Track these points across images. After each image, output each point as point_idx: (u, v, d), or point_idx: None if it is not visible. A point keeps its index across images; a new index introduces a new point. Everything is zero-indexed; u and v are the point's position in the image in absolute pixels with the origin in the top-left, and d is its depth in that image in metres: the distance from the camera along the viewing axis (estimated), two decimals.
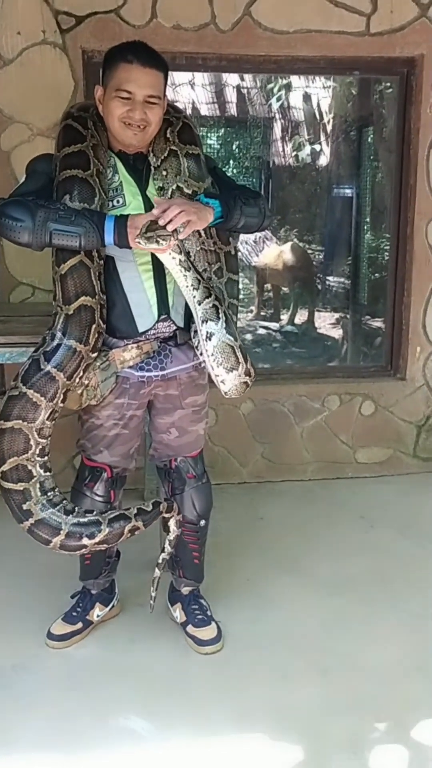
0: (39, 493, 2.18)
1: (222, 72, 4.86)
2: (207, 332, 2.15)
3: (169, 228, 1.99)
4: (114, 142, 2.15)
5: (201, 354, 2.24)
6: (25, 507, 2.16)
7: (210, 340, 2.15)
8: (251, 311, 6.61)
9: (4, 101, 3.21)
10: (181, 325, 2.25)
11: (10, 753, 2.02)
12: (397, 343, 3.85)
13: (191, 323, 2.27)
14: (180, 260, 2.08)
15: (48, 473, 2.20)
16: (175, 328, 2.24)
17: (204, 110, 6.16)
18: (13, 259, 3.32)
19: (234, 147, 6.68)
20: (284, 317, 6.49)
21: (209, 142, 6.45)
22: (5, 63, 3.19)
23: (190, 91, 6.04)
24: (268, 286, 6.69)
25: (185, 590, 2.54)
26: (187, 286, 2.12)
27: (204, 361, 2.23)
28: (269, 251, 6.73)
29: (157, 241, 1.96)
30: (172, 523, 2.32)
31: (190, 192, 2.17)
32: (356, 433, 3.82)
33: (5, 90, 3.20)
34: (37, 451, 2.16)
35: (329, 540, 3.20)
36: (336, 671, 2.37)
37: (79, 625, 2.49)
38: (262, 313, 6.60)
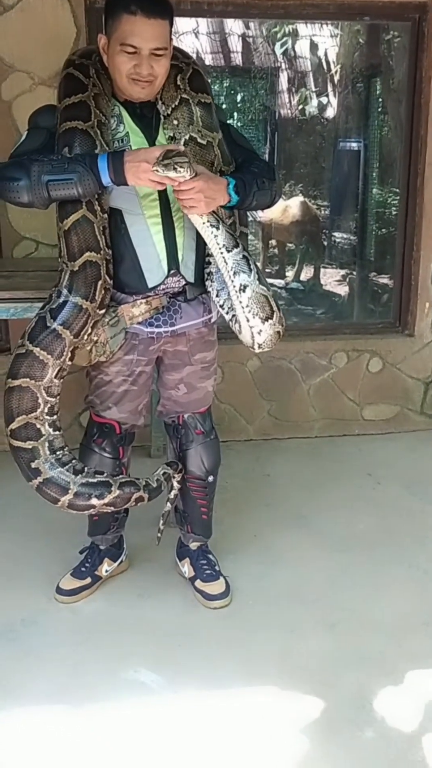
0: (48, 452, 2.17)
1: (228, 18, 4.72)
2: (240, 284, 2.12)
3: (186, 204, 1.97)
4: (119, 91, 2.08)
5: (227, 310, 2.21)
6: (33, 465, 2.15)
7: (244, 291, 2.12)
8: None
9: (4, 49, 3.12)
10: (191, 280, 2.21)
11: (20, 706, 2.05)
12: (405, 299, 3.81)
13: (204, 277, 2.25)
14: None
15: (57, 432, 2.19)
16: (184, 283, 2.20)
17: (208, 60, 6.00)
18: (16, 214, 3.26)
19: (239, 98, 6.53)
20: (290, 274, 6.42)
21: (213, 92, 6.32)
22: (5, 9, 3.08)
23: (194, 39, 5.88)
24: (273, 242, 6.60)
25: (194, 545, 2.55)
26: (209, 235, 2.07)
27: (233, 316, 2.20)
28: (275, 206, 6.62)
29: (175, 168, 1.89)
30: (174, 482, 2.35)
31: (204, 143, 2.12)
32: (363, 390, 3.80)
33: (5, 37, 3.10)
34: (46, 410, 2.14)
35: (335, 496, 3.20)
36: (343, 625, 2.39)
37: (88, 580, 2.50)
38: (267, 270, 6.53)
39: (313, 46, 6.11)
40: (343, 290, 5.92)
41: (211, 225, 2.06)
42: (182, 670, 2.18)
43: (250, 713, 2.04)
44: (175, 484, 2.37)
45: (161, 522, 2.42)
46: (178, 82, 2.12)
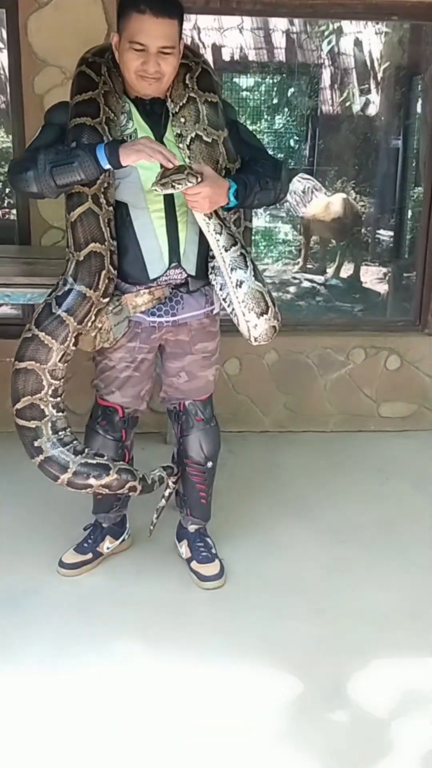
0: (50, 432, 2.29)
1: (256, 16, 4.77)
2: (237, 280, 2.22)
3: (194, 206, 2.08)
4: (129, 88, 2.18)
5: (229, 304, 2.30)
6: (36, 444, 2.28)
7: (240, 287, 2.22)
8: (297, 263, 6.57)
9: (38, 45, 3.25)
10: (193, 273, 2.29)
11: (14, 666, 2.18)
12: (426, 298, 3.83)
13: (208, 270, 2.33)
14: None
15: (60, 413, 2.31)
16: (186, 275, 2.29)
17: (252, 56, 6.06)
18: (45, 204, 3.38)
19: (282, 94, 6.57)
20: (330, 270, 6.45)
21: (259, 88, 6.37)
22: (40, 6, 3.21)
23: (238, 35, 5.94)
24: (315, 238, 6.63)
25: (192, 528, 2.65)
26: (210, 232, 2.17)
27: (233, 310, 2.29)
28: (317, 202, 6.65)
29: (173, 186, 2.01)
30: (170, 482, 2.53)
31: (209, 140, 2.20)
32: (380, 388, 3.84)
33: (39, 33, 3.23)
34: (50, 392, 2.26)
35: (343, 489, 3.26)
36: (331, 613, 2.45)
37: (90, 555, 2.62)
38: (309, 266, 6.57)
39: (357, 44, 6.12)
40: (382, 288, 5.93)
41: (215, 231, 2.17)
42: (170, 644, 2.28)
43: (230, 688, 2.12)
44: (171, 485, 2.54)
45: (155, 516, 2.56)
46: (187, 81, 2.20)
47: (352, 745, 1.94)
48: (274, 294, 5.26)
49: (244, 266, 2.20)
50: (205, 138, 2.20)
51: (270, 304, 2.25)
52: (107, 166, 2.04)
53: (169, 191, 2.04)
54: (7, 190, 5.15)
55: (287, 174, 2.33)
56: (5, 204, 5.17)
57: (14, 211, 3.73)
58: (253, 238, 6.07)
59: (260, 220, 6.69)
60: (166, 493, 2.56)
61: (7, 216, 4.92)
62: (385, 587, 2.59)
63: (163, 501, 2.56)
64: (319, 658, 2.24)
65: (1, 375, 2.76)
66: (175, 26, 2.09)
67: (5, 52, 3.42)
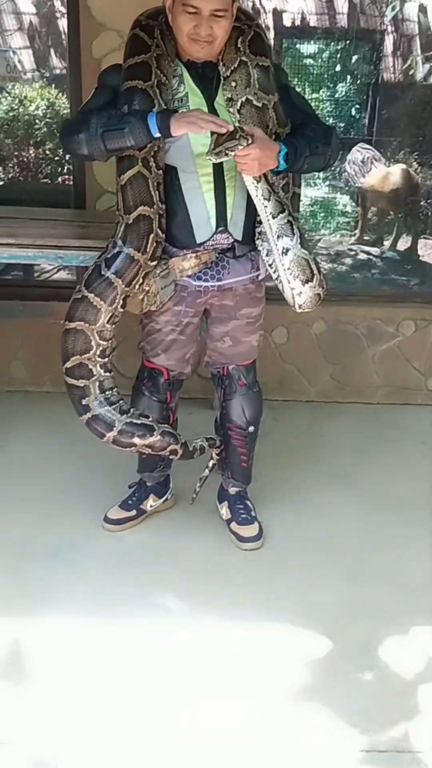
0: (98, 391, 2.37)
1: None
2: (283, 247, 2.24)
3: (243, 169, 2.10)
4: (182, 51, 2.20)
5: (274, 270, 2.33)
6: (84, 402, 2.36)
7: (286, 254, 2.25)
8: (354, 235, 6.51)
9: (96, 8, 3.27)
10: (239, 238, 2.32)
11: (57, 614, 2.28)
12: None
13: (255, 236, 2.36)
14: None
15: (108, 373, 2.38)
16: (233, 240, 2.32)
17: (313, 21, 5.96)
18: (101, 168, 3.43)
19: (344, 62, 6.46)
20: (387, 243, 6.37)
21: (321, 55, 6.26)
22: None
23: (300, 0, 5.85)
24: (373, 209, 6.55)
25: (233, 491, 2.70)
26: (258, 197, 2.20)
27: (278, 276, 2.32)
28: (376, 173, 6.56)
29: (227, 154, 2.05)
30: (213, 453, 2.59)
31: (260, 105, 2.21)
32: (429, 361, 3.81)
33: None
34: (98, 352, 2.33)
35: (385, 460, 3.27)
36: (365, 578, 2.50)
37: (134, 512, 2.71)
38: (366, 237, 6.49)
39: (422, 10, 5.96)
40: None
41: (263, 197, 2.19)
42: (205, 600, 2.36)
43: (260, 645, 2.19)
44: (214, 455, 2.62)
45: (198, 485, 2.64)
46: (239, 45, 2.21)
47: (377, 704, 1.99)
48: (329, 265, 5.24)
49: (291, 234, 2.22)
50: (255, 102, 2.21)
51: (315, 271, 2.27)
52: (157, 135, 2.07)
53: (223, 159, 2.07)
54: (67, 156, 5.23)
55: (337, 140, 2.33)
56: (65, 170, 5.25)
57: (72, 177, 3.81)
58: (311, 208, 6.04)
59: (319, 190, 6.62)
60: (210, 464, 2.62)
61: (65, 181, 5.00)
62: (421, 557, 2.62)
63: (207, 471, 2.62)
64: (351, 621, 2.29)
65: (57, 336, 2.83)
66: None
67: (65, 17, 3.46)
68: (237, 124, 2.18)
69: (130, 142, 2.07)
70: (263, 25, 2.33)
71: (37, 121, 5.55)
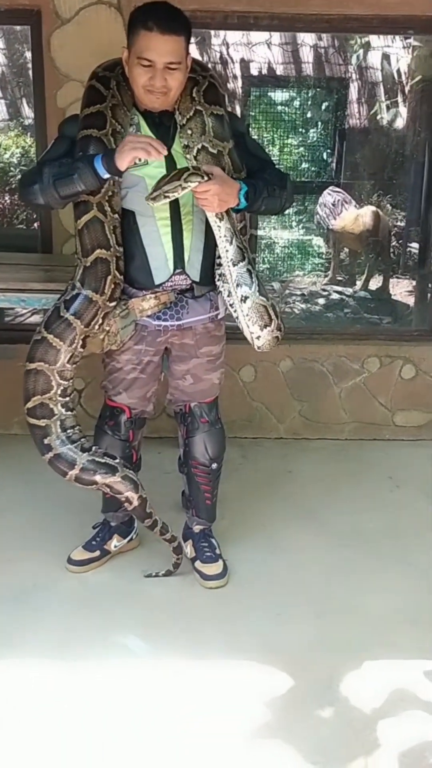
0: (59, 430, 2.39)
1: (274, 31, 4.85)
2: (242, 295, 2.31)
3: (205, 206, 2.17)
4: (138, 101, 2.27)
5: (234, 311, 2.38)
6: (46, 441, 2.38)
7: (245, 302, 2.31)
8: (327, 275, 6.62)
9: (60, 60, 3.38)
10: (197, 279, 2.37)
11: (18, 657, 2.26)
12: None
13: (215, 277, 2.40)
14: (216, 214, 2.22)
15: (69, 412, 2.40)
16: (190, 281, 2.37)
17: (280, 70, 6.15)
18: (65, 213, 3.48)
19: (315, 108, 6.64)
20: (359, 282, 6.49)
21: (292, 103, 6.44)
22: (63, 22, 3.34)
23: (266, 50, 6.04)
24: (345, 250, 6.68)
25: (197, 528, 2.71)
26: (221, 238, 2.26)
27: (237, 317, 2.37)
28: (347, 215, 6.70)
29: (166, 197, 2.11)
30: (174, 556, 2.62)
31: (215, 152, 2.28)
32: (395, 396, 3.87)
33: (62, 49, 3.36)
34: (59, 392, 2.36)
35: (351, 495, 3.29)
36: (330, 615, 2.49)
37: (97, 553, 2.70)
38: (338, 278, 6.61)
39: (386, 58, 6.17)
40: (412, 300, 5.94)
41: (226, 239, 2.25)
42: (168, 641, 2.34)
43: (223, 684, 2.18)
44: (175, 557, 2.61)
45: (161, 572, 2.65)
46: (194, 94, 2.29)
47: (338, 740, 1.98)
48: (303, 306, 5.32)
49: (250, 282, 2.29)
50: (210, 149, 2.28)
51: (273, 316, 2.33)
52: (106, 176, 2.12)
53: (161, 202, 2.13)
54: None
55: (292, 186, 2.40)
56: (34, 216, 5.33)
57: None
58: (287, 250, 6.16)
59: (294, 233, 6.75)
60: (172, 568, 2.64)
61: (31, 226, 5.07)
62: (387, 592, 2.62)
63: (170, 569, 2.64)
64: (314, 657, 2.29)
65: (20, 379, 2.86)
66: (182, 43, 2.17)
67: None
68: (196, 164, 2.24)
69: (81, 186, 2.13)
70: (219, 76, 2.42)
71: (12, 168, 5.65)
